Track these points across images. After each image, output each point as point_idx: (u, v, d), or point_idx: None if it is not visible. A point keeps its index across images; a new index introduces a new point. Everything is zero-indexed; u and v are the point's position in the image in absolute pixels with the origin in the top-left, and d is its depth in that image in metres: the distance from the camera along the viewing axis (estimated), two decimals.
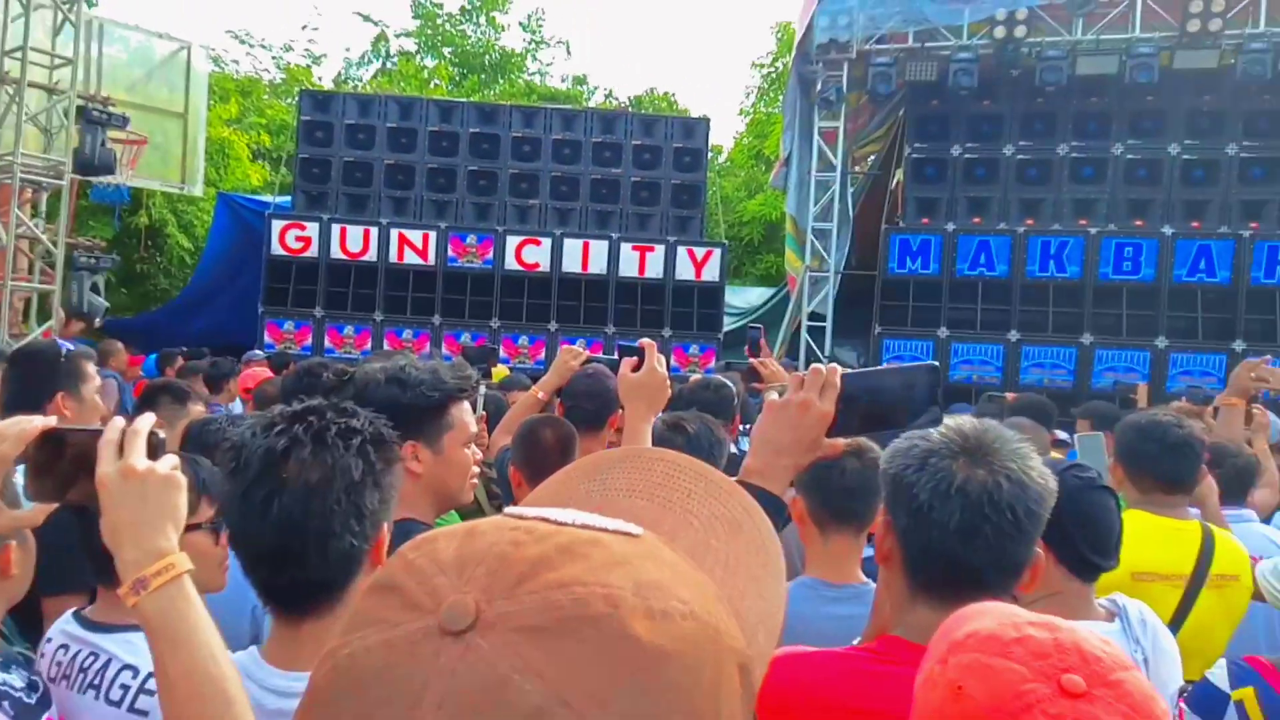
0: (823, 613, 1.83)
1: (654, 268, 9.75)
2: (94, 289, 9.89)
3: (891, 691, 1.13)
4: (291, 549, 1.14)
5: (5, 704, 1.31)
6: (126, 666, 1.41)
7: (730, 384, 3.50)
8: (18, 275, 9.82)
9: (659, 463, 0.63)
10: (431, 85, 21.22)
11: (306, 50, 27.75)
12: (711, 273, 9.83)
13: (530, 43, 24.31)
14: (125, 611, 1.08)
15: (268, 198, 12.73)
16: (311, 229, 9.78)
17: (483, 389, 3.41)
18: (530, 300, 9.75)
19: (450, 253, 9.78)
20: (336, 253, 9.77)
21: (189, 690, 1.00)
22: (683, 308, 9.73)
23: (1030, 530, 1.16)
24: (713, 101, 49.63)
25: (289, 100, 18.56)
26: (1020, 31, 9.32)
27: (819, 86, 10.23)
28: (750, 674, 0.48)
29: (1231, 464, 3.09)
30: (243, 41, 23.29)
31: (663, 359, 1.90)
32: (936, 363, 1.38)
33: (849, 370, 1.28)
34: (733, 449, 3.20)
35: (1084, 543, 1.66)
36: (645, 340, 1.94)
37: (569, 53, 32.55)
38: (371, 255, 9.77)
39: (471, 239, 9.83)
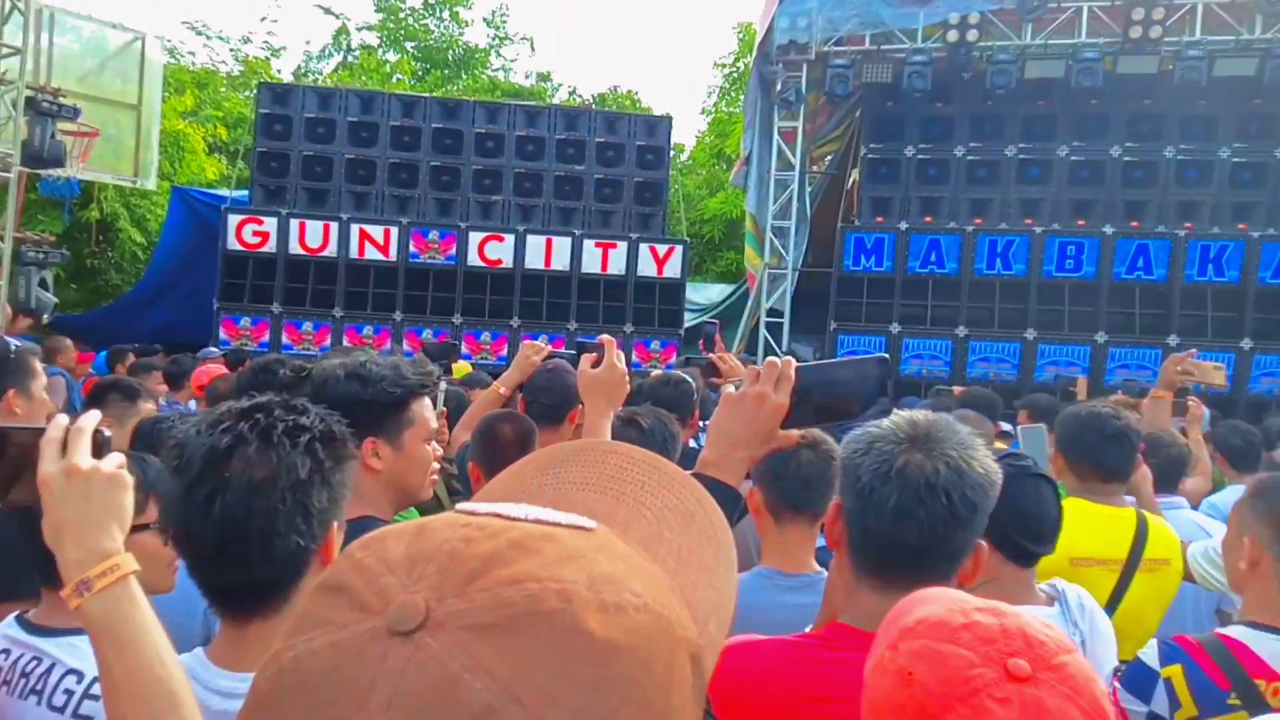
0: (778, 602, 1.86)
1: (616, 264, 9.75)
2: (42, 284, 9.61)
3: (838, 678, 1.16)
4: (234, 548, 1.12)
5: None
6: (71, 671, 1.37)
7: (690, 379, 3.52)
8: None
9: (612, 455, 0.64)
10: (394, 80, 20.96)
11: (265, 43, 27.33)
12: (673, 269, 9.85)
13: (494, 39, 24.12)
14: (70, 614, 1.05)
15: (224, 192, 12.44)
16: (269, 224, 9.60)
17: (443, 385, 3.39)
18: (493, 296, 9.69)
19: (412, 248, 9.68)
20: (295, 248, 9.60)
21: (134, 693, 0.98)
22: (644, 304, 9.74)
23: (966, 516, 1.18)
24: (675, 100, 49.75)
25: (247, 93, 18.17)
26: (972, 35, 9.47)
27: (779, 87, 10.30)
28: (702, 664, 0.49)
29: (1165, 454, 3.20)
30: (199, 33, 22.84)
31: (622, 355, 1.91)
32: (886, 355, 1.41)
33: (803, 363, 1.30)
34: (692, 444, 3.22)
35: (1018, 530, 1.71)
36: (605, 336, 1.95)
37: (533, 49, 32.26)
38: (331, 251, 9.62)
39: (434, 235, 9.73)
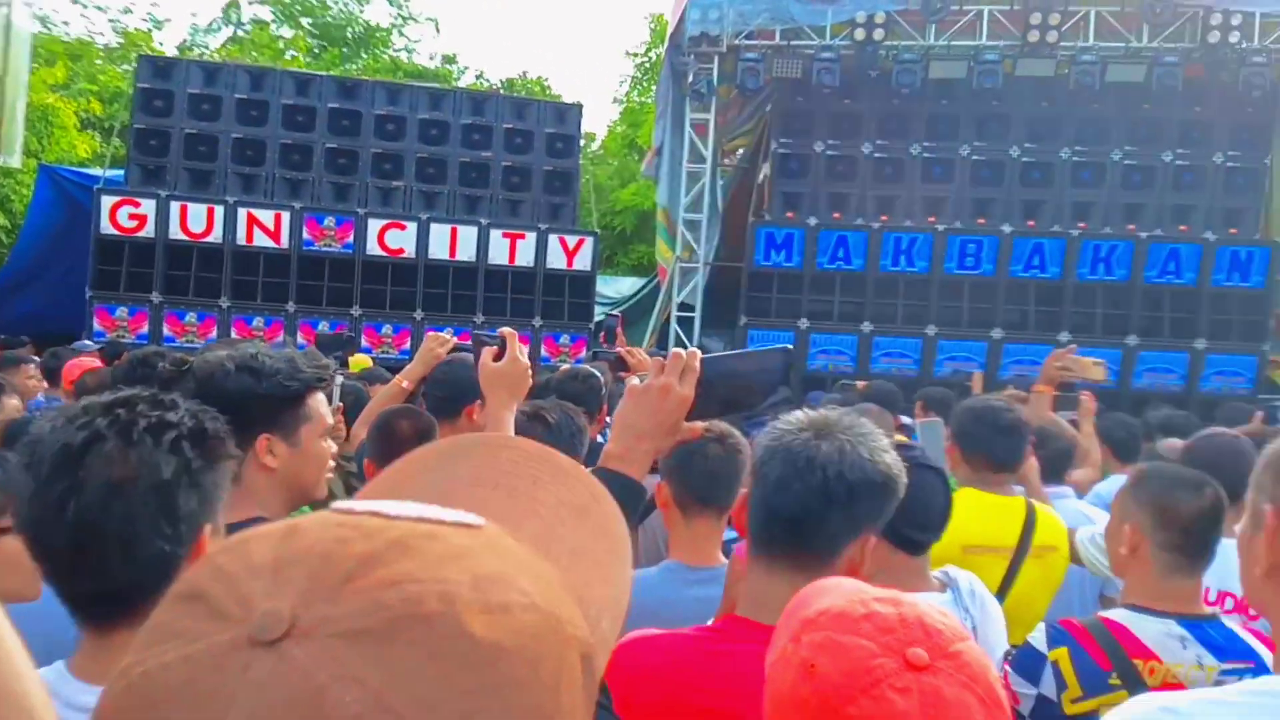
0: (685, 595, 1.86)
1: (525, 255, 9.62)
2: None
3: (730, 670, 1.19)
4: (92, 553, 1.05)
5: None
6: None
7: (598, 374, 3.51)
8: None
9: (505, 450, 0.62)
10: (287, 57, 20.21)
11: (148, 14, 25.93)
12: (583, 262, 9.79)
13: (397, 18, 23.57)
14: None
15: (97, 171, 11.64)
16: (147, 206, 9.05)
17: (339, 379, 3.29)
18: (394, 287, 9.42)
19: (306, 235, 9.31)
20: (177, 233, 9.07)
21: None
22: (554, 297, 9.66)
23: (840, 495, 1.22)
24: (586, 89, 49.56)
25: (125, 66, 17.25)
26: (879, 34, 9.71)
27: (690, 79, 10.36)
28: (593, 662, 0.48)
29: (1053, 445, 3.37)
30: (75, 1, 21.51)
31: (524, 348, 1.88)
32: (789, 346, 1.43)
33: (708, 355, 1.30)
34: (600, 439, 3.21)
35: (904, 519, 1.76)
36: (505, 329, 1.92)
37: (438, 30, 31.70)
38: (216, 236, 9.14)
39: (329, 221, 9.39)
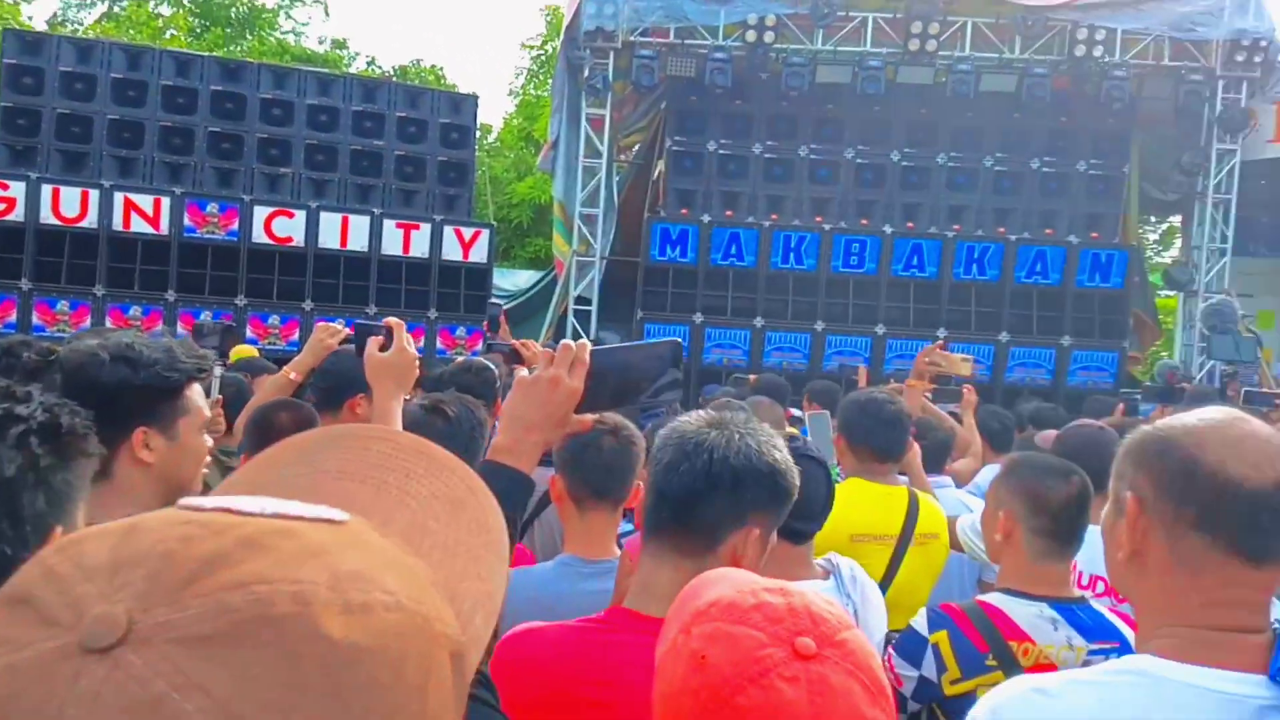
0: (580, 589, 1.85)
1: (419, 246, 9.40)
2: None
3: (618, 660, 1.20)
4: None
5: None
6: None
7: (492, 366, 3.46)
8: None
9: (376, 442, 0.59)
10: (167, 35, 19.15)
11: None
12: (479, 254, 9.63)
13: None
14: None
15: None
16: (16, 189, 8.46)
17: (219, 370, 3.14)
18: (282, 277, 9.04)
19: (187, 221, 8.85)
20: (48, 217, 8.51)
21: None
22: (449, 289, 9.47)
23: (725, 480, 1.25)
24: (482, 79, 48.75)
25: None
26: (769, 37, 9.90)
27: (586, 73, 10.33)
28: (464, 660, 0.46)
29: (933, 436, 3.52)
30: None
31: (410, 338, 1.84)
32: (679, 338, 1.44)
33: (597, 347, 1.30)
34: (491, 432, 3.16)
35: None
36: (391, 319, 1.86)
37: (327, 14, 30.33)
38: (91, 221, 8.61)
39: (213, 207, 8.95)
